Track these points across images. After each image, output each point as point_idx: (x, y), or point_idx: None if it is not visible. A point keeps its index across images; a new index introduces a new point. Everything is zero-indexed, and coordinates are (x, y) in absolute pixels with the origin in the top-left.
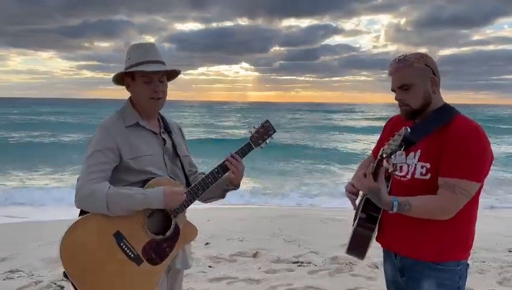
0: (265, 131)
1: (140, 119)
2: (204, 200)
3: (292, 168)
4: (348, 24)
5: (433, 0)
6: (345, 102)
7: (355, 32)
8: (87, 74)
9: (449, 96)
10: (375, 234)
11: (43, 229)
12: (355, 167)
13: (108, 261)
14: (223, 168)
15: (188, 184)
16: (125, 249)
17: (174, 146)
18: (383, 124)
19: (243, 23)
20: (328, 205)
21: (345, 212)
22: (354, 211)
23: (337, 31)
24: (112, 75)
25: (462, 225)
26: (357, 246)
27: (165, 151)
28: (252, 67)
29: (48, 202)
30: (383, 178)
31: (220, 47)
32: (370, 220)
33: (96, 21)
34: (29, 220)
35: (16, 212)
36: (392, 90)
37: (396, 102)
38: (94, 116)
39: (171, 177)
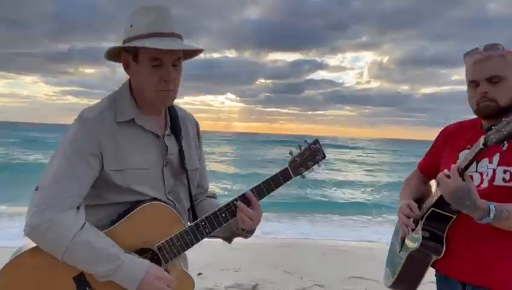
0: (312, 155)
1: (139, 114)
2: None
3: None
4: (333, 60)
5: (415, 40)
6: (329, 135)
7: (339, 68)
8: (71, 99)
9: (431, 133)
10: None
11: None
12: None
13: None
14: (231, 211)
15: (192, 211)
16: None
17: (181, 156)
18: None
19: (231, 56)
20: (327, 235)
21: (346, 242)
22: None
23: (322, 66)
24: (96, 100)
25: None
26: (410, 276)
27: (166, 162)
28: (238, 98)
29: None
30: (470, 179)
31: (206, 78)
32: (435, 239)
33: (83, 47)
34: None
35: None
36: (472, 81)
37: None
38: None
39: (169, 199)
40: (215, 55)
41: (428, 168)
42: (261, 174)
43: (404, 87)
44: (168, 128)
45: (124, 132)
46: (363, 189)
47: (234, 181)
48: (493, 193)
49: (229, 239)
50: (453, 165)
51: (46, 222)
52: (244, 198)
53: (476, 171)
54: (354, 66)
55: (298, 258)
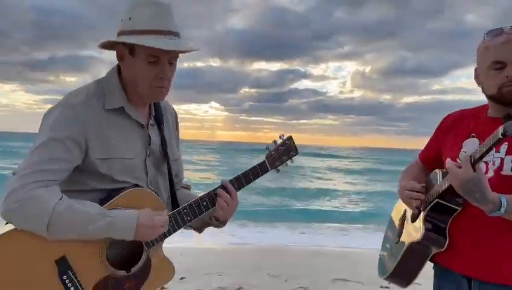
0: (286, 150)
1: (127, 103)
2: None
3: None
4: (316, 70)
5: (396, 50)
6: (312, 144)
7: (322, 78)
8: None
9: (413, 142)
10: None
11: None
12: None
13: None
14: (211, 200)
15: (173, 200)
16: (69, 284)
17: (163, 146)
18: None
19: (215, 64)
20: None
21: (330, 248)
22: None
23: (305, 75)
24: None
25: None
26: (408, 268)
27: (149, 153)
28: (222, 107)
29: None
30: (481, 170)
31: (190, 86)
32: (438, 231)
33: (64, 55)
34: None
35: None
36: (498, 62)
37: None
38: None
39: (150, 189)
40: (199, 64)
41: (429, 157)
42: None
43: (387, 97)
44: (152, 117)
45: (111, 119)
46: (346, 197)
47: None
48: (500, 182)
49: (200, 229)
50: (465, 155)
51: (21, 200)
52: (223, 187)
53: (481, 161)
54: (337, 76)
55: (282, 262)
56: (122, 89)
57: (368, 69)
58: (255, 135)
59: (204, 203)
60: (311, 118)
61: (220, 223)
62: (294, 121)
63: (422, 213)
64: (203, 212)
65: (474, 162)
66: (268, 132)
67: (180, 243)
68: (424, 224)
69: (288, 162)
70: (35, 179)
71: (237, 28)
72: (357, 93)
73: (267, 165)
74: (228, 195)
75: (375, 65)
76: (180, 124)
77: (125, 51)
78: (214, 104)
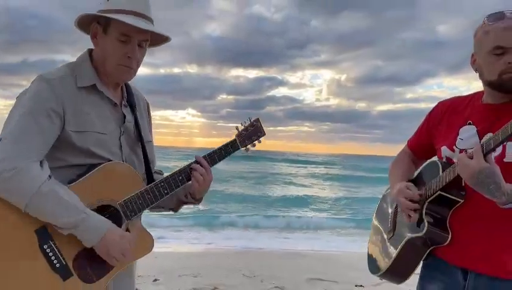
0: (254, 131)
1: (99, 81)
2: (151, 208)
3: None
4: (293, 77)
5: (370, 60)
6: (289, 151)
7: (299, 86)
8: None
9: (386, 149)
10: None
11: None
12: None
13: (19, 269)
14: (187, 174)
15: (150, 181)
16: (50, 254)
17: (137, 126)
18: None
19: (192, 71)
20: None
21: (305, 251)
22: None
23: (282, 83)
24: None
25: None
26: (406, 264)
27: (123, 131)
28: (199, 113)
29: None
30: (493, 160)
31: (167, 92)
32: (439, 226)
33: (36, 59)
34: None
35: None
36: (499, 47)
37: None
38: None
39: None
40: (176, 70)
41: (420, 145)
42: (218, 191)
43: (362, 105)
44: (125, 99)
45: (84, 97)
46: (322, 202)
47: None
48: (503, 170)
49: (176, 209)
50: (477, 145)
51: (11, 170)
52: (197, 162)
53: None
54: (313, 84)
55: (258, 264)
56: (93, 69)
57: (343, 77)
58: None
59: (180, 178)
60: (288, 125)
61: (195, 200)
62: (272, 128)
63: (422, 206)
64: (179, 186)
65: (486, 153)
66: None
67: (154, 247)
68: (425, 218)
69: (256, 142)
70: (25, 149)
71: (214, 35)
72: (333, 101)
73: (238, 143)
74: (203, 169)
75: (350, 74)
76: (155, 130)
77: (100, 29)
78: (191, 110)
